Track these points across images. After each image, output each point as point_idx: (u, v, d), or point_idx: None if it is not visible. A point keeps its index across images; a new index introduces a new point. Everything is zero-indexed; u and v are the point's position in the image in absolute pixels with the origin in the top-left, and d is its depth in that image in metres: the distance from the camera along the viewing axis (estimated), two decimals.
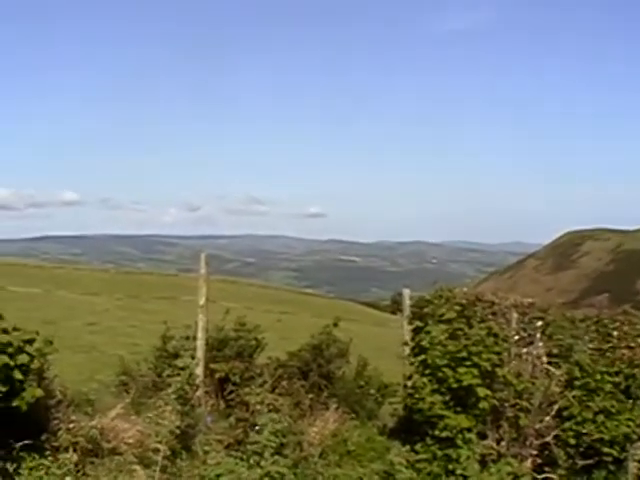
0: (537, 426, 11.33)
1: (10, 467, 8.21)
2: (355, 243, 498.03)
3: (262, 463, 8.59)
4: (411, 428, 11.34)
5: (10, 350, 8.20)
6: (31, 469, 8.32)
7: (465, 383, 10.57)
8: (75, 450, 8.92)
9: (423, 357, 11.21)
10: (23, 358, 8.28)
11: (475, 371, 10.61)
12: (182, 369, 9.91)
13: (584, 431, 11.21)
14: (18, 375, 8.16)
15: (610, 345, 12.38)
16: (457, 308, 11.73)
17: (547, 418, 11.37)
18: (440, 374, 10.76)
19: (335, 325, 13.18)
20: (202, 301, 11.58)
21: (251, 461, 8.67)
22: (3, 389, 8.04)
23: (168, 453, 9.10)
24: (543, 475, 11.12)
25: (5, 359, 8.08)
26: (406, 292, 13.26)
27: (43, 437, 8.93)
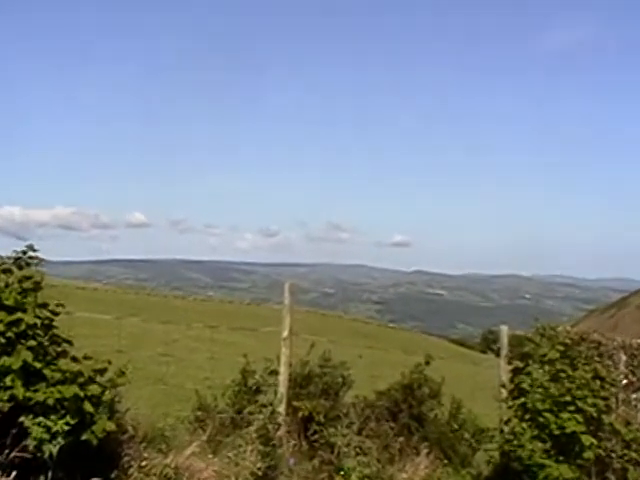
0: None
1: None
2: (442, 275, 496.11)
3: None
4: (508, 477, 11.18)
5: (80, 380, 8.20)
6: None
7: (568, 430, 10.47)
8: None
9: (523, 400, 11.15)
10: (94, 389, 8.24)
11: (579, 417, 10.52)
12: (264, 406, 9.82)
13: None
14: (89, 407, 8.11)
15: None
16: (560, 348, 11.60)
17: None
18: (541, 419, 10.69)
19: (427, 363, 12.98)
20: (285, 333, 11.44)
21: None
22: (72, 422, 8.00)
23: None
24: None
25: (75, 389, 8.06)
26: (504, 329, 13.14)
27: (113, 474, 8.87)
